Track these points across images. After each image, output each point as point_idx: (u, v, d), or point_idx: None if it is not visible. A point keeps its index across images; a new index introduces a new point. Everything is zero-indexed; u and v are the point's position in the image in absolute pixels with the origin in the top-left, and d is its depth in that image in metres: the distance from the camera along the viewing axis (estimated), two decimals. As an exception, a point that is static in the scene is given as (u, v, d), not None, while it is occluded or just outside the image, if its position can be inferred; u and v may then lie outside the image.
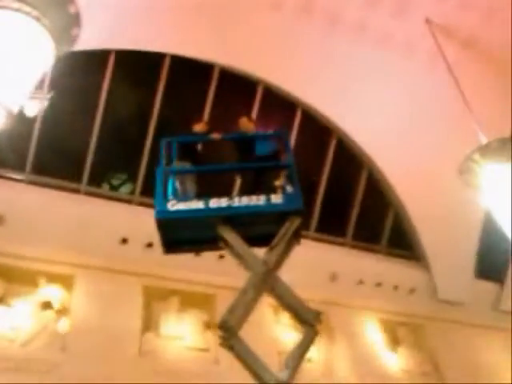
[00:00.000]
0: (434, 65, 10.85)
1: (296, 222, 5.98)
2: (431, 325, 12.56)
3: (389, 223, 13.56)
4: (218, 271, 9.82)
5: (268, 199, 5.97)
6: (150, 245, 9.83)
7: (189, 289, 10.19)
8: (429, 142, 12.25)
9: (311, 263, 11.39)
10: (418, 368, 11.75)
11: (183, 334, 9.64)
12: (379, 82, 11.65)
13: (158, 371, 8.89)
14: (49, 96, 10.42)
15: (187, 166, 6.69)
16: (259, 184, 6.55)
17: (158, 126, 10.94)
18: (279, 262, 6.02)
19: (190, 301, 10.10)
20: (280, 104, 12.25)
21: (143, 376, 8.77)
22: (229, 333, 5.26)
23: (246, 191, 6.48)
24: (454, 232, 13.21)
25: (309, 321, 5.55)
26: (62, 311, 8.98)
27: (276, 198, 5.99)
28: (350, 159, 13.03)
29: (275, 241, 5.84)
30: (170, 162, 6.52)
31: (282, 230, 5.86)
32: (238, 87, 11.91)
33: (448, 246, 13.11)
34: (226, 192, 6.64)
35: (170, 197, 6.10)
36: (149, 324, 9.63)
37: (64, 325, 8.83)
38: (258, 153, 6.68)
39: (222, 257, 9.32)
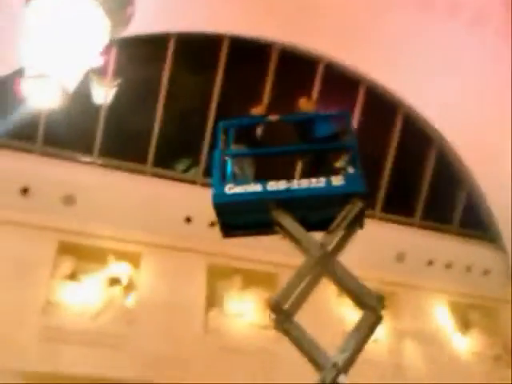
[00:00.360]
0: (505, 39, 10.22)
1: (358, 204, 5.62)
2: (505, 308, 11.91)
3: (461, 202, 12.96)
4: (281, 250, 9.73)
5: (329, 181, 5.66)
6: (213, 224, 9.87)
7: (251, 267, 10.25)
8: (502, 117, 11.57)
9: (377, 243, 11.11)
10: (489, 351, 11.30)
11: (246, 312, 9.73)
12: (447, 55, 11.10)
13: (223, 347, 9.05)
14: (116, 83, 10.83)
15: (244, 149, 6.48)
16: (320, 166, 6.28)
17: (218, 109, 10.99)
18: (339, 246, 5.70)
19: (253, 279, 10.17)
20: (342, 82, 11.97)
21: (208, 352, 8.98)
22: (282, 316, 5.08)
23: (305, 174, 6.24)
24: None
25: (371, 305, 5.18)
26: (130, 287, 9.32)
27: (337, 180, 5.67)
28: (419, 135, 12.52)
29: (334, 224, 5.55)
30: (227, 145, 6.35)
31: (343, 213, 5.55)
32: (298, 66, 11.75)
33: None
34: (285, 175, 6.45)
35: (228, 180, 5.95)
36: (212, 301, 9.82)
37: (131, 300, 9.16)
38: (317, 134, 6.38)
39: (285, 236, 9.28)
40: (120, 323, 8.82)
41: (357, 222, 5.77)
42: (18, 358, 7.90)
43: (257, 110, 7.04)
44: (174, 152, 11.39)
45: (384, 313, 5.24)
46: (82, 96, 10.43)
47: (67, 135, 10.14)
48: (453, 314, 11.64)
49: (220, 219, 5.94)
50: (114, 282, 9.18)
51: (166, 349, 8.54)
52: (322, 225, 5.72)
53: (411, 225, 12.55)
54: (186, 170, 11.47)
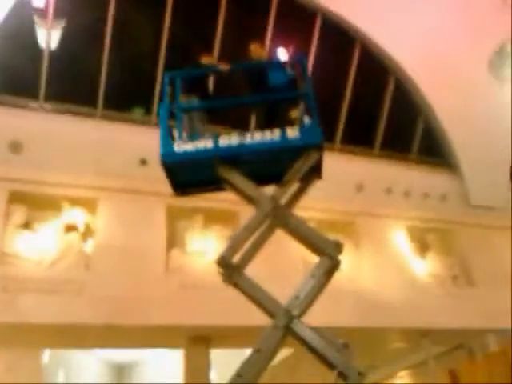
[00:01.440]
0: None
1: (313, 156, 5.46)
2: (462, 230, 12.34)
3: (419, 131, 13.04)
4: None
5: (284, 134, 5.42)
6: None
7: (212, 206, 10.20)
8: (457, 40, 11.44)
9: (336, 175, 11.11)
10: (447, 272, 11.74)
11: (208, 250, 9.78)
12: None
13: (185, 286, 9.13)
14: (60, 25, 10.24)
15: (194, 101, 6.13)
16: (274, 118, 6.00)
17: (171, 53, 10.53)
18: (294, 199, 5.61)
19: (214, 217, 10.16)
20: (298, 12, 11.59)
21: (171, 291, 9.05)
22: (229, 269, 5.00)
23: (260, 127, 5.96)
24: (487, 135, 12.65)
25: (328, 252, 5.11)
26: (87, 233, 9.22)
27: (292, 132, 5.44)
28: (376, 65, 12.36)
29: (287, 176, 5.40)
30: (174, 98, 5.92)
31: (297, 165, 5.40)
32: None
33: (481, 150, 12.61)
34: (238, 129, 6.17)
35: (176, 137, 5.65)
36: (174, 242, 9.83)
37: (89, 246, 9.08)
38: (271, 83, 6.03)
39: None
40: (78, 269, 8.77)
41: (314, 173, 5.69)
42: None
43: (207, 60, 6.62)
44: (125, 98, 10.92)
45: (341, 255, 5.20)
46: (26, 39, 9.95)
47: (11, 81, 9.69)
48: (411, 239, 11.96)
49: (170, 178, 5.69)
50: (70, 228, 9.04)
51: (127, 291, 8.56)
52: (280, 178, 5.54)
53: (370, 155, 12.62)
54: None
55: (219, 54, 10.92)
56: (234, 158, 5.45)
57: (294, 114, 5.99)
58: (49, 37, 9.90)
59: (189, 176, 5.69)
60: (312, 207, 9.61)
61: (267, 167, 5.64)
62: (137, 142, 9.89)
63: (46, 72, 9.86)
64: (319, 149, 5.52)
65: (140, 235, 9.38)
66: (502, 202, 12.88)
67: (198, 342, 9.44)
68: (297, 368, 11.89)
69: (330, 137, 11.81)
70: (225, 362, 9.75)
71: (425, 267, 11.81)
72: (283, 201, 5.48)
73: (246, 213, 9.20)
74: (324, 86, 11.91)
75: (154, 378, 15.47)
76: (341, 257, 5.20)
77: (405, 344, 11.79)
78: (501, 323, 10.76)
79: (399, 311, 10.40)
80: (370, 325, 10.22)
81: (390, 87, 12.53)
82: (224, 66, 6.24)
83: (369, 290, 10.60)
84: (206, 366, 9.35)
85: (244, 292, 5.09)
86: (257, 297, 5.07)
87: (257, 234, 5.43)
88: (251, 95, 6.33)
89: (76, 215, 9.18)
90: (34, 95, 9.84)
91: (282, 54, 12.00)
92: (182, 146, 5.41)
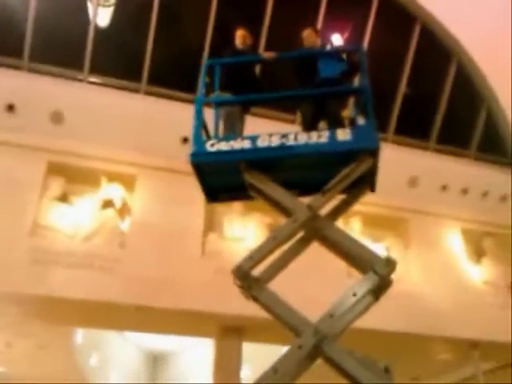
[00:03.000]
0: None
1: (366, 162, 4.65)
2: (523, 236, 11.35)
3: (480, 123, 12.08)
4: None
5: (333, 136, 4.67)
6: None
7: (254, 192, 9.75)
8: None
9: (388, 167, 10.37)
10: (503, 281, 10.84)
11: (246, 237, 9.33)
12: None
13: (220, 270, 8.69)
14: (111, 2, 10.08)
15: (227, 95, 5.35)
16: (322, 116, 5.31)
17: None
18: (336, 212, 4.81)
19: (253, 204, 9.64)
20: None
21: (205, 276, 8.64)
22: (247, 281, 4.38)
23: (304, 125, 5.31)
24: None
25: (376, 269, 4.31)
26: (124, 210, 8.94)
27: (343, 134, 4.68)
28: (437, 48, 11.51)
29: (331, 184, 4.64)
30: (212, 90, 5.29)
31: (344, 172, 4.63)
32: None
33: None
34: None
35: (210, 135, 5.03)
36: (211, 226, 9.43)
37: (125, 224, 8.79)
38: (321, 75, 5.24)
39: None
40: (113, 246, 8.49)
41: (365, 184, 4.92)
42: (7, 281, 7.64)
43: (237, 40, 5.81)
44: (171, 75, 10.59)
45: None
46: (72, 11, 9.79)
47: (56, 51, 9.53)
48: (466, 242, 11.12)
49: (202, 181, 4.98)
50: (107, 204, 8.79)
51: (160, 272, 8.23)
52: (319, 187, 4.78)
53: (426, 148, 11.80)
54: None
55: (268, 37, 10.47)
56: (273, 162, 4.75)
57: (346, 112, 5.34)
58: (95, 11, 9.68)
59: (223, 180, 4.96)
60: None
61: (306, 174, 4.93)
62: (179, 120, 9.48)
63: (91, 45, 9.64)
64: (374, 155, 4.69)
65: (177, 216, 9.01)
66: None
67: (231, 332, 8.99)
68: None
69: (383, 126, 11.11)
70: (259, 357, 9.28)
71: (479, 274, 10.96)
72: (323, 212, 4.74)
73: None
74: (379, 69, 11.25)
75: (188, 368, 15.16)
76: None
77: (452, 356, 10.92)
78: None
79: (448, 319, 9.63)
80: (415, 331, 9.47)
81: (452, 73, 11.61)
82: (269, 54, 5.49)
83: (417, 293, 9.87)
84: (237, 359, 8.85)
85: (265, 308, 4.43)
86: (281, 314, 4.37)
87: (288, 245, 4.75)
88: (297, 88, 5.56)
89: (114, 191, 8.91)
90: (79, 67, 9.63)
91: (336, 37, 11.40)
92: (215, 146, 4.75)
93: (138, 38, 10.13)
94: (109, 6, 10.16)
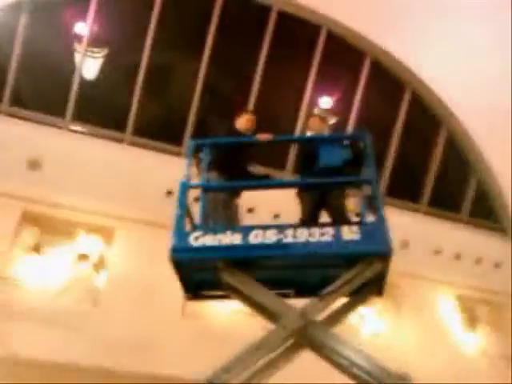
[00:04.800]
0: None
1: (374, 267, 4.06)
2: (517, 304, 10.93)
3: (471, 188, 11.94)
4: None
5: (338, 234, 4.07)
6: (197, 199, 9.02)
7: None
8: None
9: (379, 229, 10.17)
10: (497, 351, 10.35)
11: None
12: (466, 20, 10.11)
13: (201, 334, 8.11)
14: (104, 53, 10.02)
15: (220, 180, 4.81)
16: (323, 207, 4.88)
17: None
18: (335, 317, 4.31)
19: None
20: (346, 52, 11.02)
21: (187, 338, 8.05)
22: None
23: (304, 217, 4.83)
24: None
25: None
26: (100, 264, 8.40)
27: (350, 233, 4.07)
28: (428, 114, 11.54)
29: (330, 288, 4.09)
30: (200, 172, 4.83)
31: (348, 275, 4.08)
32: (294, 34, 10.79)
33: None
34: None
35: (195, 226, 4.44)
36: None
37: (101, 279, 8.23)
38: (322, 163, 4.79)
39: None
40: (85, 303, 7.91)
41: (371, 287, 4.32)
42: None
43: (242, 123, 5.32)
44: (155, 127, 10.40)
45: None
46: (59, 58, 9.68)
47: (37, 96, 9.32)
48: (459, 309, 10.70)
49: (181, 276, 4.39)
50: (83, 257, 8.26)
51: (135, 333, 7.63)
52: (314, 288, 4.25)
53: (417, 211, 11.56)
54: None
55: (258, 99, 10.41)
56: (264, 261, 4.16)
57: (352, 205, 4.84)
58: (81, 61, 9.58)
59: (206, 276, 4.31)
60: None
61: (301, 273, 4.35)
62: (164, 173, 9.18)
63: (76, 93, 9.45)
64: (385, 260, 4.11)
65: (157, 273, 8.40)
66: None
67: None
68: None
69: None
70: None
71: (473, 343, 10.49)
72: (318, 317, 4.17)
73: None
74: (370, 132, 11.24)
75: None
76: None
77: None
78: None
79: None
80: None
81: (442, 138, 11.61)
82: (264, 136, 4.94)
83: (406, 359, 9.25)
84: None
85: None
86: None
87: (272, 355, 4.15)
88: (295, 177, 5.22)
89: (90, 244, 8.41)
90: (62, 115, 9.38)
91: (325, 100, 11.39)
92: (200, 240, 4.12)
93: (125, 89, 10.02)
94: (97, 57, 10.09)
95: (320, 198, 4.82)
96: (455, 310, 10.67)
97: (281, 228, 4.14)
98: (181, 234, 4.22)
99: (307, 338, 4.04)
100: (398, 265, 10.89)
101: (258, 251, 4.07)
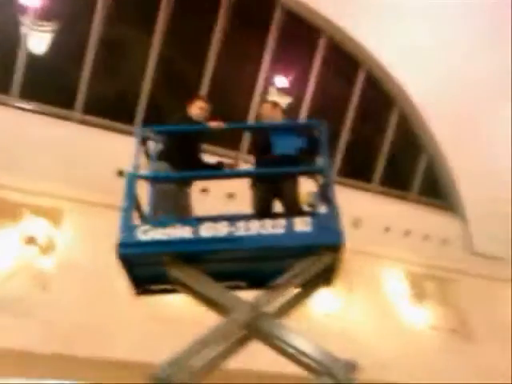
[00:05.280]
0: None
1: (325, 258, 4.05)
2: (463, 279, 11.39)
3: (421, 168, 12.26)
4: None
5: (290, 226, 4.00)
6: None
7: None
8: (480, 79, 10.81)
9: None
10: (445, 324, 10.77)
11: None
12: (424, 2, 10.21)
13: (153, 317, 8.02)
14: (53, 27, 9.57)
15: (170, 170, 4.64)
16: (276, 197, 4.76)
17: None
18: (285, 307, 4.28)
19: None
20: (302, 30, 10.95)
21: (138, 323, 7.96)
22: None
23: (256, 209, 4.73)
24: (496, 181, 11.95)
25: (334, 373, 3.79)
26: (48, 248, 8.13)
27: (302, 225, 4.02)
28: (381, 94, 11.69)
29: (281, 280, 4.06)
30: (149, 161, 4.73)
31: (298, 267, 4.05)
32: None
33: (488, 196, 11.86)
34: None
35: (143, 220, 4.31)
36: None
37: (49, 262, 7.99)
38: (276, 152, 4.63)
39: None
40: (33, 288, 7.65)
41: (322, 278, 4.29)
42: None
43: (195, 109, 5.08)
44: (106, 105, 10.05)
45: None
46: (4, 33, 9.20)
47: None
48: (408, 284, 11.02)
49: (128, 272, 4.28)
50: (30, 240, 7.96)
51: (87, 318, 7.48)
52: (264, 279, 4.18)
53: (369, 190, 11.79)
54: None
55: (211, 77, 10.23)
56: (215, 255, 4.04)
57: (306, 196, 4.68)
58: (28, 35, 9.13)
59: (155, 270, 4.17)
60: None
61: (251, 265, 4.26)
62: (114, 152, 8.93)
63: (22, 69, 9.01)
64: (336, 251, 4.08)
65: (108, 256, 8.24)
66: (506, 252, 12.00)
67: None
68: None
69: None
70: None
71: (421, 317, 10.84)
72: (269, 309, 4.10)
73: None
74: (324, 113, 11.30)
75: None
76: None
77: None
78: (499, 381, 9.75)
79: (390, 363, 9.33)
80: (356, 376, 9.09)
81: (394, 119, 11.80)
82: (216, 124, 4.78)
83: (359, 336, 9.56)
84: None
85: None
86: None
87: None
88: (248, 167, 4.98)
89: (37, 226, 8.11)
90: (7, 91, 8.94)
91: (280, 79, 11.32)
92: (149, 233, 3.98)
93: (75, 66, 9.64)
94: (45, 31, 9.63)
95: (273, 188, 4.72)
96: (404, 285, 10.97)
97: (232, 220, 4.05)
98: (128, 227, 4.06)
99: (257, 329, 4.02)
100: (349, 243, 11.19)
101: (209, 245, 3.96)
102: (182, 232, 3.98)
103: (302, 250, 4.04)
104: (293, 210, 4.48)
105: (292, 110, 10.83)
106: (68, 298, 7.62)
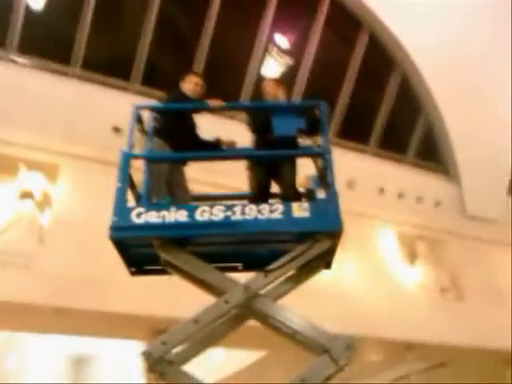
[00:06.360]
0: None
1: (323, 243, 3.95)
2: (455, 241, 11.57)
3: (418, 131, 12.25)
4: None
5: (288, 211, 3.90)
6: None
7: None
8: (482, 41, 10.72)
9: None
10: (436, 284, 10.97)
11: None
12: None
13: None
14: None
15: (166, 148, 4.47)
16: (274, 180, 4.66)
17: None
18: (282, 290, 4.15)
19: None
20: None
21: (131, 278, 8.05)
22: (158, 369, 3.66)
23: (253, 191, 4.62)
24: (490, 144, 12.00)
25: (333, 353, 3.69)
26: (44, 202, 8.18)
27: (300, 210, 3.92)
28: (383, 56, 11.58)
29: (276, 264, 3.93)
30: (145, 139, 4.51)
31: (295, 252, 3.96)
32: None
33: (482, 161, 12.03)
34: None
35: (138, 201, 4.18)
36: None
37: (45, 217, 8.06)
38: (276, 133, 4.44)
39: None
40: (30, 241, 7.74)
41: (319, 262, 4.17)
42: None
43: (190, 85, 4.83)
44: (105, 61, 9.92)
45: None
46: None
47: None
48: (401, 245, 11.16)
49: (124, 255, 4.18)
50: (25, 195, 8.00)
51: (83, 271, 7.57)
52: (257, 261, 4.08)
53: (365, 152, 11.81)
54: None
55: (212, 37, 10.07)
56: (209, 239, 3.96)
57: (304, 180, 4.57)
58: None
59: (150, 251, 4.03)
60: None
61: (247, 248, 4.18)
62: (111, 108, 8.90)
63: (20, 24, 8.86)
64: (334, 237, 3.99)
65: (104, 211, 8.29)
66: (499, 216, 12.15)
67: (159, 335, 8.43)
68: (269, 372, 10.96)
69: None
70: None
71: (413, 277, 11.04)
72: (263, 291, 4.01)
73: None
74: (324, 74, 11.21)
75: (113, 371, 14.40)
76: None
77: (385, 356, 10.94)
78: (489, 342, 10.01)
79: (382, 321, 9.56)
80: (349, 332, 9.28)
81: (395, 80, 11.72)
82: (215, 102, 4.53)
83: (352, 295, 9.76)
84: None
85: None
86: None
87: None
88: (246, 147, 4.72)
89: (33, 181, 8.13)
90: (5, 46, 8.83)
91: (281, 39, 11.16)
92: (142, 216, 3.83)
93: (73, 21, 9.46)
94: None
95: (271, 170, 4.61)
96: (397, 246, 11.12)
97: (228, 205, 3.93)
98: (122, 210, 3.93)
99: (250, 310, 3.99)
100: (343, 204, 11.30)
101: (205, 229, 3.85)
102: (177, 216, 3.85)
103: (300, 235, 3.98)
104: (290, 192, 4.43)
105: (292, 71, 10.74)
106: (64, 251, 7.70)
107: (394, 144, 12.18)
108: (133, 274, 4.44)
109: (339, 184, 11.28)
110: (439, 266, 11.26)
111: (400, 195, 11.40)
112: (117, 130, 8.88)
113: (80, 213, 8.10)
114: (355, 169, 11.10)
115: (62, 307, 7.53)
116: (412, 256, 11.29)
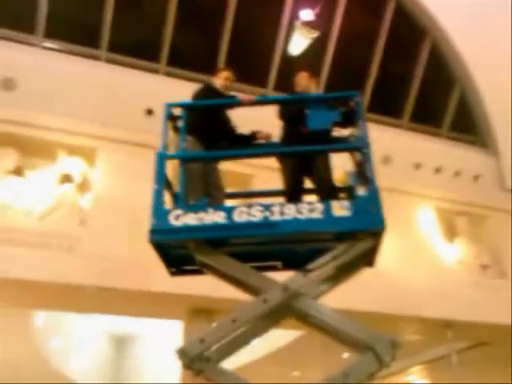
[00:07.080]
0: None
1: (365, 243, 3.91)
2: (495, 216, 11.23)
3: (454, 102, 11.92)
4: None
5: (328, 210, 3.81)
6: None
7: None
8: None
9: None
10: (476, 260, 10.67)
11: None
12: None
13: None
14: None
15: (199, 145, 4.44)
16: (309, 176, 4.56)
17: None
18: (320, 291, 4.11)
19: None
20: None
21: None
22: (196, 367, 3.68)
23: (287, 187, 4.54)
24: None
25: (377, 351, 3.65)
26: (84, 185, 8.34)
27: (340, 208, 3.83)
28: (412, 26, 11.26)
29: (316, 263, 3.89)
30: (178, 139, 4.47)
31: (336, 251, 3.90)
32: None
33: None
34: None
35: (175, 203, 4.15)
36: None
37: (85, 200, 8.22)
38: (310, 127, 4.33)
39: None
40: (72, 224, 7.90)
41: (361, 261, 4.12)
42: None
43: (220, 80, 4.81)
44: (133, 43, 9.96)
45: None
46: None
47: (9, 13, 8.83)
48: (439, 221, 10.89)
49: (164, 257, 4.21)
50: (65, 179, 8.16)
51: (124, 252, 7.70)
52: (298, 261, 4.04)
53: (399, 126, 11.60)
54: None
55: (235, 13, 9.98)
56: (248, 240, 3.91)
57: (341, 176, 4.53)
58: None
59: (188, 253, 4.04)
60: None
61: (285, 247, 4.14)
62: (143, 91, 8.97)
63: (46, 7, 8.95)
64: (377, 236, 3.93)
65: (142, 192, 8.34)
66: (540, 189, 11.79)
67: (200, 314, 8.56)
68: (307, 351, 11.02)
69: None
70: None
71: (452, 253, 10.77)
72: (302, 290, 3.95)
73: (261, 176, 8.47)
74: (352, 47, 11.00)
75: (155, 351, 14.74)
76: None
77: (425, 335, 10.82)
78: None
79: (421, 299, 9.38)
80: (388, 311, 9.23)
81: (426, 51, 11.41)
82: (248, 98, 4.53)
83: (389, 272, 9.53)
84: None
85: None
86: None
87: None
88: (278, 142, 4.64)
89: (72, 165, 8.29)
90: (31, 32, 8.96)
91: (306, 12, 10.96)
92: (181, 219, 3.83)
93: (98, 3, 9.51)
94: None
95: (304, 164, 4.54)
96: (435, 221, 10.89)
97: (266, 205, 3.88)
98: (160, 212, 3.96)
99: (290, 309, 3.97)
100: (379, 180, 11.17)
101: (244, 231, 3.82)
102: (215, 217, 3.82)
103: (341, 234, 3.91)
104: (326, 188, 4.36)
105: (318, 44, 10.55)
106: (106, 232, 7.84)
107: (428, 117, 11.93)
108: (173, 274, 4.47)
109: (375, 159, 11.16)
110: (479, 242, 10.98)
111: (437, 170, 11.19)
112: (149, 112, 8.98)
113: (119, 195, 8.21)
114: (389, 144, 10.91)
115: (104, 287, 7.69)
116: (451, 232, 11.06)
